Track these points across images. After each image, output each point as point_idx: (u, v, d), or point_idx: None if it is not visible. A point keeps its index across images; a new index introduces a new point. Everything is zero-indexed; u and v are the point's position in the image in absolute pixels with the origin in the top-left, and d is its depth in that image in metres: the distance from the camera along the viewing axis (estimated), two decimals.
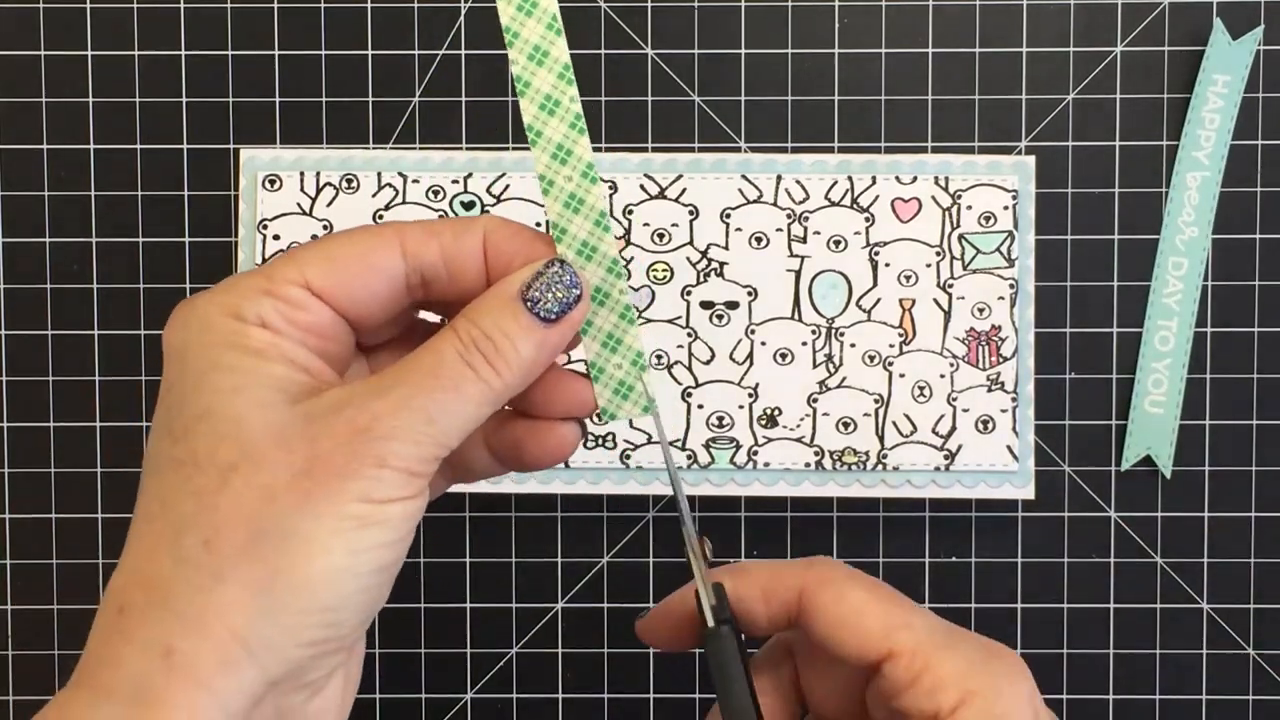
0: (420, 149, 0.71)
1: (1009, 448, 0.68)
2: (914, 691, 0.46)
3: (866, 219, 0.68)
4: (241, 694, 0.40)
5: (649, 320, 0.68)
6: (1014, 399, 0.68)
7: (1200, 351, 0.72)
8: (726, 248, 0.68)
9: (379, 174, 0.69)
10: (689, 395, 0.68)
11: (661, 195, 0.69)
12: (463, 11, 0.72)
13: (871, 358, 0.68)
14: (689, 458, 0.68)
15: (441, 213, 0.68)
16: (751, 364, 0.68)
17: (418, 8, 0.72)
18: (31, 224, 0.72)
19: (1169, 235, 0.71)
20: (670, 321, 0.68)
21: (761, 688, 0.51)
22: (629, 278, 0.50)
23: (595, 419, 0.53)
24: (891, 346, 0.68)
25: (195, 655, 0.40)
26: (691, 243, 0.68)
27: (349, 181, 0.69)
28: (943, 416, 0.68)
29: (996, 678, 0.46)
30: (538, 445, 0.49)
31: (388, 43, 0.72)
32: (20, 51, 0.72)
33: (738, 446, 0.68)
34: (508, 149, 0.71)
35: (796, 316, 0.68)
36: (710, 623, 0.48)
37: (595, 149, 0.71)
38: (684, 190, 0.69)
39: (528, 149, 0.71)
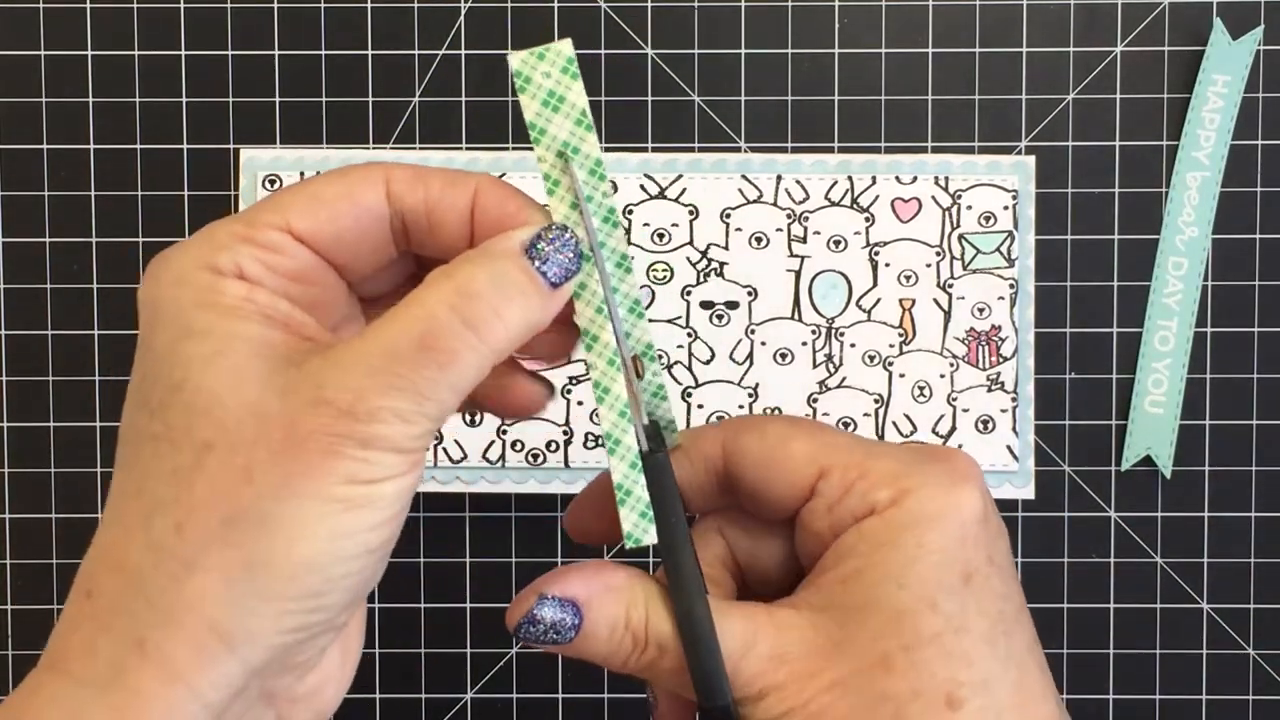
0: (420, 149, 0.71)
1: (1009, 448, 0.68)
2: (847, 499, 0.44)
3: (866, 219, 0.68)
4: (220, 686, 0.38)
5: (649, 320, 0.68)
6: (1014, 399, 0.68)
7: (1200, 351, 0.72)
8: (726, 248, 0.69)
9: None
10: (689, 395, 0.68)
11: (661, 195, 0.69)
12: (463, 11, 0.72)
13: (871, 358, 0.68)
14: None
15: None
16: (751, 364, 0.68)
17: (418, 8, 0.72)
18: (31, 224, 0.72)
19: (1169, 235, 0.71)
20: (670, 321, 0.68)
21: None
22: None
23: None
24: (891, 346, 0.68)
25: (169, 647, 0.38)
26: (691, 243, 0.68)
27: None
28: (943, 416, 0.68)
29: (937, 475, 0.44)
30: (502, 404, 0.47)
31: (388, 43, 0.72)
32: (20, 51, 0.72)
33: None
34: (508, 149, 0.71)
35: (796, 316, 0.68)
36: (644, 447, 0.45)
37: None
38: (684, 190, 0.69)
39: (528, 149, 0.71)
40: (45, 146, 0.72)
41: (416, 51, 0.72)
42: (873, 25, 0.72)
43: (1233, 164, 0.71)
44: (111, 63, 0.72)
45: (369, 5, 0.72)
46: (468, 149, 0.71)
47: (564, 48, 0.43)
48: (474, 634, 0.73)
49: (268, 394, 0.40)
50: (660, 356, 0.68)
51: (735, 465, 0.46)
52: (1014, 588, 0.44)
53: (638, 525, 0.45)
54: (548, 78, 0.44)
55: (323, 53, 0.72)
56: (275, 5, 0.72)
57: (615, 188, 0.69)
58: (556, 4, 0.72)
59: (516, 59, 0.43)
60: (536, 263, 0.42)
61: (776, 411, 0.68)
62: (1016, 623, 0.43)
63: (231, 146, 0.72)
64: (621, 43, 0.72)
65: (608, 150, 0.71)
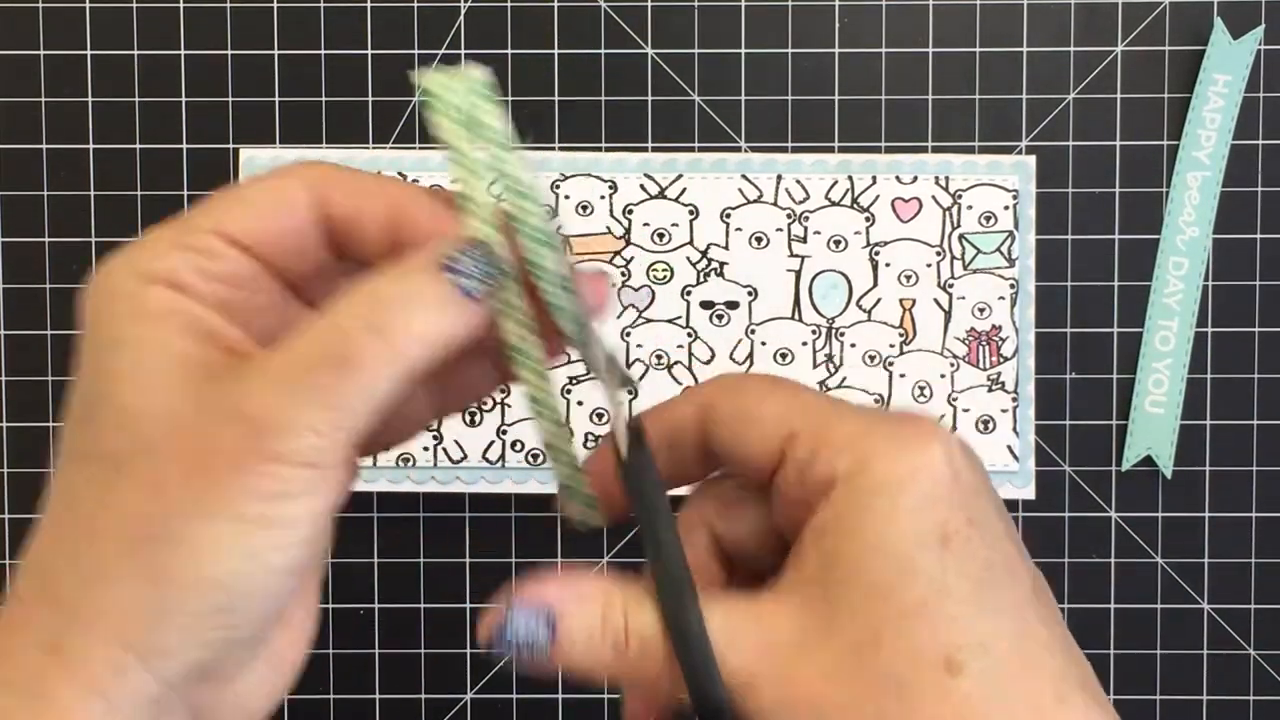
0: (420, 149, 0.71)
1: (1009, 448, 0.68)
2: (814, 465, 0.43)
3: (867, 219, 0.68)
4: (136, 698, 0.38)
5: (649, 320, 0.68)
6: (1014, 399, 0.68)
7: (1200, 351, 0.72)
8: (726, 248, 0.69)
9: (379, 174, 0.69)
10: None
11: (661, 195, 0.69)
12: (462, 11, 0.72)
13: (872, 358, 0.68)
14: None
15: None
16: (752, 364, 0.68)
17: (418, 8, 0.72)
18: (31, 224, 0.72)
19: (1169, 235, 0.71)
20: (670, 321, 0.68)
21: (695, 561, 0.46)
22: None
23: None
24: (892, 346, 0.68)
25: (84, 655, 0.38)
26: (691, 243, 0.69)
27: None
28: (943, 416, 0.68)
29: (901, 439, 0.43)
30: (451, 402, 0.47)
31: (388, 43, 0.72)
32: (20, 51, 0.72)
33: None
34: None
35: (797, 316, 0.68)
36: (624, 453, 0.45)
37: (595, 149, 0.71)
38: (684, 190, 0.69)
39: (527, 149, 0.70)
40: (45, 146, 0.72)
41: (416, 51, 0.72)
42: (873, 25, 0.72)
43: (1233, 164, 0.71)
44: (111, 63, 0.72)
45: (369, 5, 0.72)
46: None
47: (476, 73, 0.43)
48: (474, 634, 0.72)
49: (184, 407, 0.39)
50: (660, 356, 0.68)
51: (712, 425, 0.45)
52: (1002, 545, 0.43)
53: (584, 513, 0.47)
54: (460, 98, 0.44)
55: (322, 52, 0.72)
56: (275, 5, 0.72)
57: (615, 187, 0.69)
58: (556, 4, 0.72)
59: (427, 78, 0.43)
60: (452, 275, 0.42)
61: None
62: (1009, 578, 0.42)
63: (231, 146, 0.72)
64: (621, 43, 0.72)
65: (609, 150, 0.71)
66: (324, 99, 0.72)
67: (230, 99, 0.72)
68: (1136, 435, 0.71)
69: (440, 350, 0.42)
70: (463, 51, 0.72)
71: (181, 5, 0.72)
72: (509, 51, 0.72)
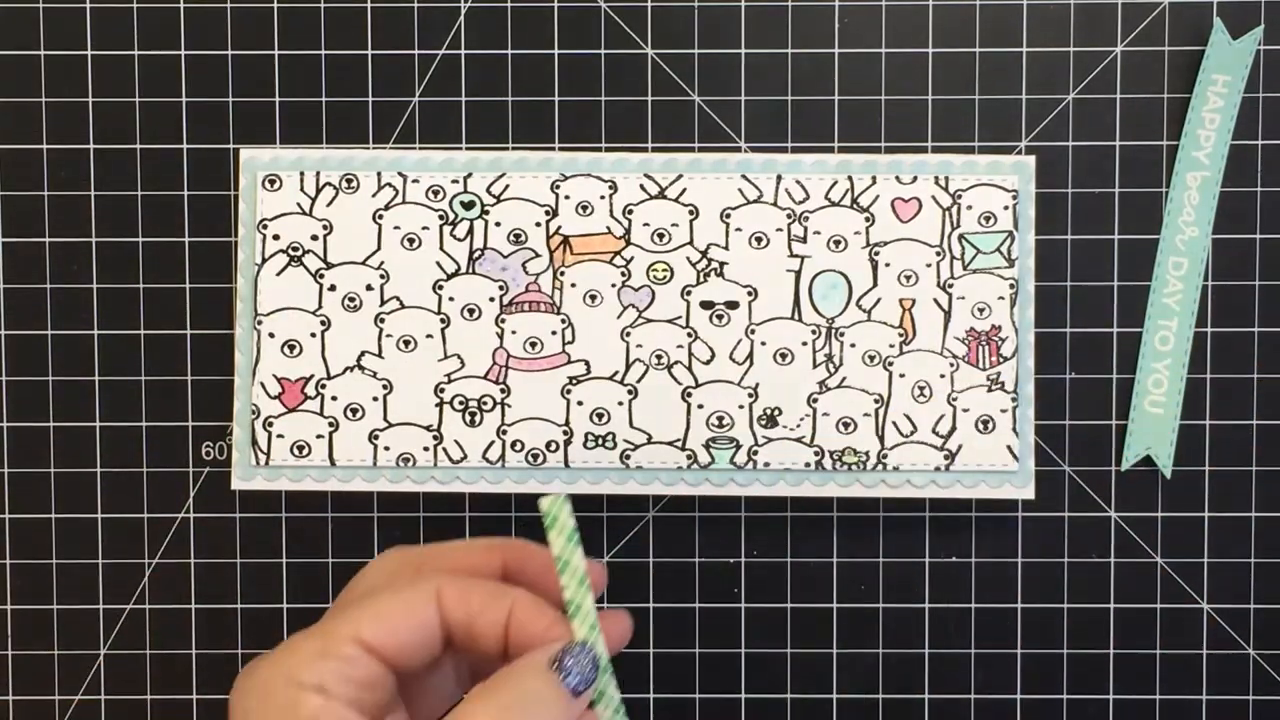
0: (420, 149, 0.71)
1: (1009, 448, 0.68)
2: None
3: (866, 219, 0.68)
4: None
5: (649, 320, 0.68)
6: (1014, 399, 0.68)
7: (1200, 351, 0.72)
8: (726, 248, 0.68)
9: (379, 174, 0.69)
10: (689, 395, 0.68)
11: (661, 195, 0.69)
12: (463, 11, 0.72)
13: (871, 358, 0.68)
14: (689, 458, 0.68)
15: (441, 212, 0.68)
16: (751, 364, 0.68)
17: (418, 8, 0.72)
18: (31, 224, 0.72)
19: (1169, 235, 0.71)
20: (670, 321, 0.68)
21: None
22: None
23: None
24: (891, 346, 0.68)
25: None
26: (691, 243, 0.68)
27: (349, 181, 0.69)
28: (943, 416, 0.68)
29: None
30: None
31: (388, 43, 0.72)
32: (20, 51, 0.72)
33: (738, 446, 0.68)
34: (507, 148, 0.71)
35: (796, 316, 0.68)
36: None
37: (595, 149, 0.71)
38: (684, 190, 0.69)
39: (528, 148, 0.71)
40: (45, 146, 0.72)
41: (416, 51, 0.72)
42: (873, 25, 0.72)
43: (1233, 164, 0.71)
44: (111, 63, 0.72)
45: (369, 5, 0.72)
46: (468, 149, 0.71)
47: (565, 502, 0.54)
48: None
49: None
50: (660, 356, 0.68)
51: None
52: None
53: None
54: (571, 516, 0.54)
55: (323, 52, 0.72)
56: (275, 5, 0.72)
57: (615, 187, 0.69)
58: (556, 4, 0.72)
59: (547, 501, 0.54)
60: (561, 675, 0.51)
61: (777, 412, 0.68)
62: None
63: (231, 146, 0.72)
64: (621, 43, 0.72)
65: (609, 150, 0.71)
66: (324, 99, 0.72)
67: (230, 99, 0.72)
68: (1136, 435, 0.72)
69: None
70: (463, 52, 0.72)
71: (181, 5, 0.72)
72: (509, 51, 0.72)
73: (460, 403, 0.68)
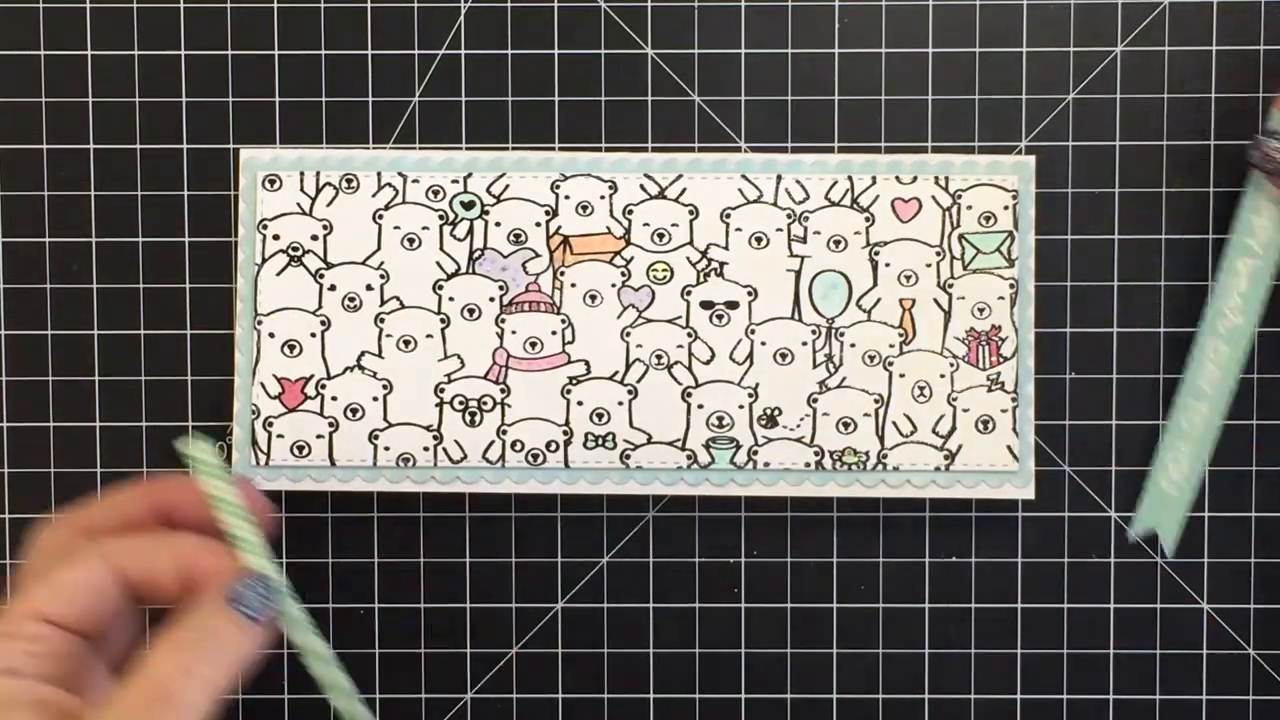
0: (420, 149, 0.71)
1: (1009, 448, 0.68)
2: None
3: (866, 219, 0.68)
4: None
5: (649, 320, 0.68)
6: (1014, 399, 0.68)
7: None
8: (726, 248, 0.69)
9: (379, 174, 0.69)
10: (689, 395, 0.68)
11: (661, 195, 0.69)
12: (462, 11, 0.72)
13: (871, 358, 0.68)
14: (689, 458, 0.68)
15: (441, 212, 0.68)
16: (751, 364, 0.68)
17: (418, 8, 0.72)
18: (31, 224, 0.72)
19: (1211, 319, 0.70)
20: (670, 321, 0.68)
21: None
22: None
23: None
24: (891, 346, 0.68)
25: None
26: (691, 243, 0.69)
27: (349, 181, 0.69)
28: (943, 416, 0.68)
29: None
30: None
31: (388, 43, 0.72)
32: (20, 51, 0.72)
33: (738, 446, 0.68)
34: (507, 148, 0.71)
35: (796, 316, 0.68)
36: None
37: (595, 149, 0.71)
38: (684, 190, 0.69)
39: (527, 148, 0.71)
40: (44, 146, 0.72)
41: (416, 51, 0.72)
42: (873, 25, 0.72)
43: None
44: (111, 63, 0.72)
45: (369, 5, 0.72)
46: (468, 149, 0.71)
47: (204, 443, 0.61)
48: (474, 634, 0.73)
49: None
50: (660, 356, 0.68)
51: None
52: None
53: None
54: (216, 455, 0.60)
55: (323, 52, 0.72)
56: (275, 5, 0.72)
57: (615, 187, 0.69)
58: (556, 4, 0.72)
59: (189, 446, 0.60)
60: (237, 606, 0.56)
61: (777, 412, 0.68)
62: None
63: (231, 146, 0.72)
64: (621, 43, 0.72)
65: (609, 150, 0.71)
66: (324, 99, 0.72)
67: (230, 99, 0.72)
68: (1147, 508, 0.71)
69: (239, 666, 0.56)
70: (463, 52, 0.72)
71: (181, 5, 0.72)
72: (509, 51, 0.72)
73: (460, 403, 0.68)
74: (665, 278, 0.68)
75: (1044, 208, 0.71)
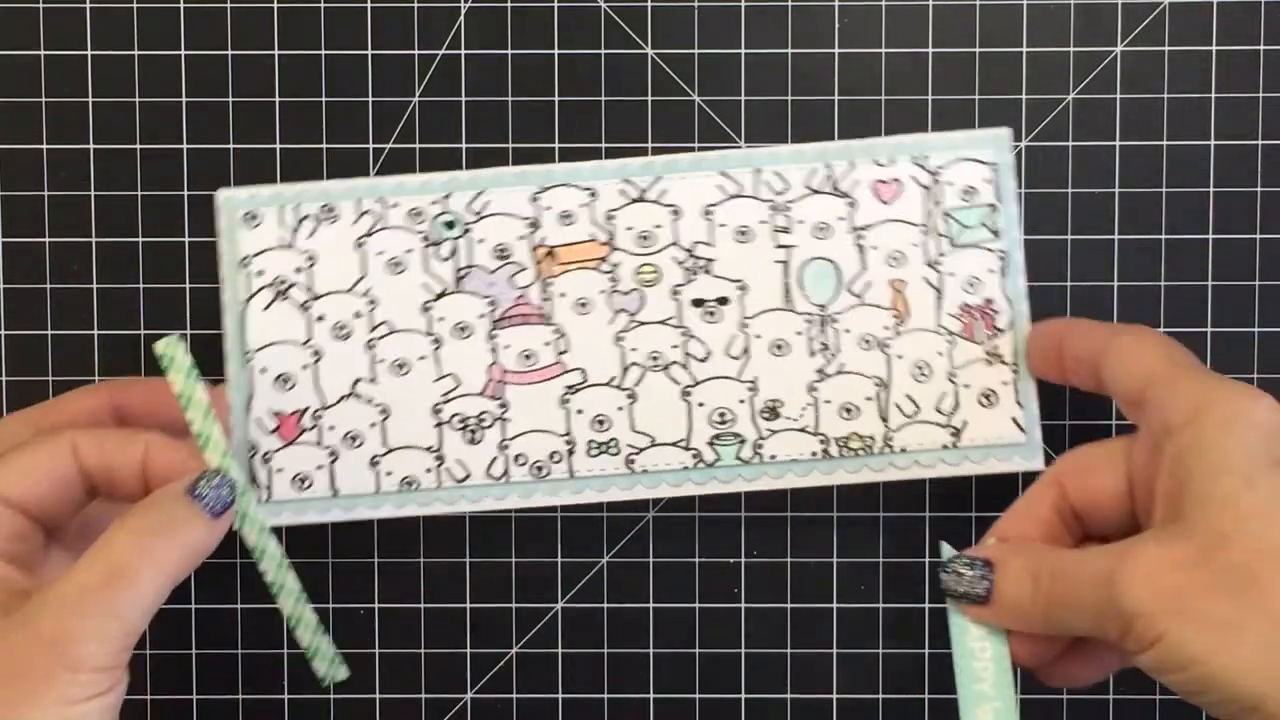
0: (420, 148, 0.71)
1: (1014, 420, 0.68)
2: (1158, 410, 0.54)
3: (849, 203, 0.68)
4: None
5: (641, 323, 0.68)
6: (1014, 370, 0.68)
7: (1200, 352, 0.71)
8: (712, 244, 0.68)
9: (359, 201, 0.69)
10: (688, 394, 0.68)
11: (641, 198, 0.69)
12: (463, 11, 0.72)
13: (867, 341, 0.68)
14: (694, 457, 0.68)
15: (423, 234, 0.68)
16: (748, 357, 0.68)
17: (418, 8, 0.72)
18: (31, 224, 0.72)
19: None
20: (663, 322, 0.68)
21: (1039, 515, 0.60)
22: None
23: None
24: (886, 329, 0.68)
25: None
26: (676, 242, 0.68)
27: (328, 210, 0.68)
28: (945, 394, 0.68)
29: (1237, 390, 0.53)
30: None
31: (388, 43, 0.72)
32: (20, 51, 0.72)
33: (742, 441, 0.68)
34: (507, 148, 0.71)
35: (788, 306, 0.68)
36: None
37: (593, 149, 0.71)
38: (664, 191, 0.68)
39: (527, 148, 0.71)
40: (44, 146, 0.72)
41: (416, 51, 0.72)
42: (873, 25, 0.72)
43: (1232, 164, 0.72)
44: (111, 63, 0.72)
45: (369, 5, 0.72)
46: (468, 148, 0.71)
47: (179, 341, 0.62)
48: (474, 634, 0.73)
49: None
50: (656, 357, 0.68)
51: (1102, 357, 0.60)
52: None
53: (331, 669, 0.66)
54: (187, 355, 0.61)
55: (322, 53, 0.72)
56: (275, 5, 0.72)
57: (594, 194, 0.69)
58: (556, 4, 0.72)
59: (162, 344, 0.62)
60: (198, 499, 0.57)
61: (778, 404, 0.68)
62: None
63: (231, 147, 0.72)
64: (621, 43, 0.72)
65: (609, 151, 0.72)
66: (324, 99, 0.72)
67: (230, 99, 0.72)
68: None
69: (198, 558, 0.57)
70: (463, 52, 0.72)
71: (181, 5, 0.72)
72: (509, 51, 0.72)
73: (459, 421, 0.68)
74: (654, 279, 0.68)
75: (1044, 207, 0.71)
